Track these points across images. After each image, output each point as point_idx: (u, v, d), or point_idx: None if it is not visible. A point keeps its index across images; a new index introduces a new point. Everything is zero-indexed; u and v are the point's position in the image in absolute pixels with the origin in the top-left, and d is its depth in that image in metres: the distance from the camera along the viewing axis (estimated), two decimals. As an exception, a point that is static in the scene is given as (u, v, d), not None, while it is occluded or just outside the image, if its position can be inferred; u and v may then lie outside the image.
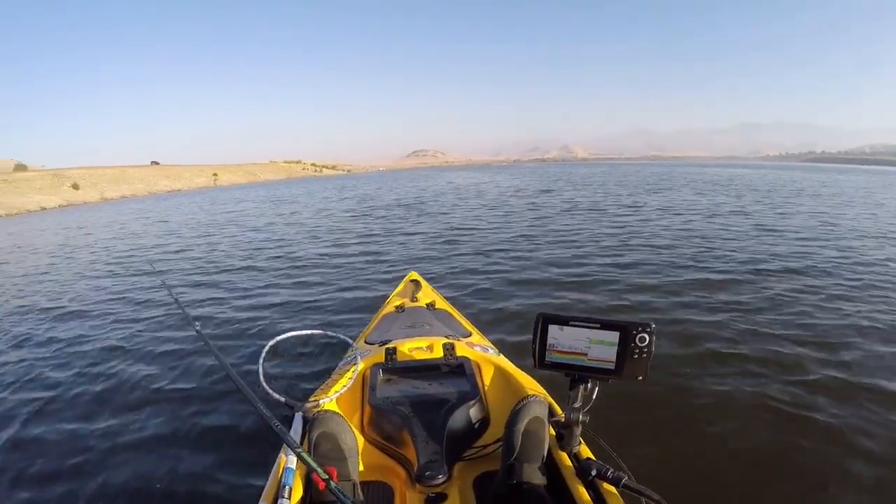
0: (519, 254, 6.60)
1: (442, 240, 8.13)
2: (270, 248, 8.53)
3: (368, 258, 7.00)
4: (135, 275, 7.06)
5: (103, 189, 64.58)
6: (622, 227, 8.74)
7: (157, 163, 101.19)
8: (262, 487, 1.26)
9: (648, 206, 11.95)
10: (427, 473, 1.30)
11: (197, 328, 1.91)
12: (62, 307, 5.51)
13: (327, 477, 0.98)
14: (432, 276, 5.40)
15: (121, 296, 5.81)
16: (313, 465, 1.01)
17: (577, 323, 1.18)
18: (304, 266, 6.80)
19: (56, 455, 2.46)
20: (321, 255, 7.57)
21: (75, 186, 61.80)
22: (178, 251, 9.19)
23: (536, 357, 1.24)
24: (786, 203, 12.38)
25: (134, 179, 74.33)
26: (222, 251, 8.66)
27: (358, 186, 32.84)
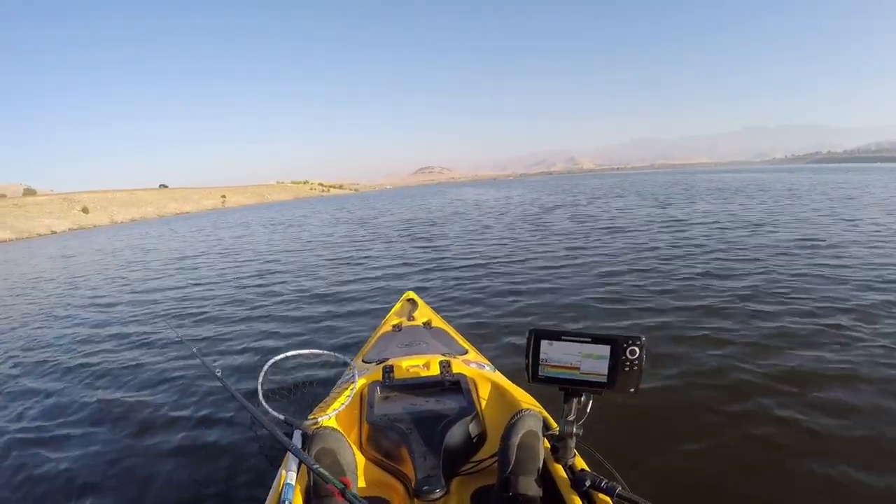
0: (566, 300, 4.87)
1: (464, 274, 6.58)
2: (275, 274, 8.12)
3: (375, 290, 6.15)
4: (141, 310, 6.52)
5: (113, 212, 65.21)
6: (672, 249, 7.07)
7: (165, 186, 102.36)
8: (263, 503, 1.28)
9: (697, 221, 10.09)
10: (425, 488, 1.31)
11: (218, 374, 1.92)
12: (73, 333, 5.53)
13: (343, 486, 1.01)
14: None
15: (120, 323, 5.74)
16: (328, 476, 1.05)
17: (568, 338, 1.20)
18: (306, 291, 6.39)
19: (66, 475, 2.53)
20: (324, 281, 6.98)
21: (85, 210, 62.45)
22: (192, 270, 9.24)
23: (530, 372, 1.26)
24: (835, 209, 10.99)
25: (143, 202, 75.09)
26: (229, 276, 8.34)
27: (365, 206, 32.24)
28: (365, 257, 9.04)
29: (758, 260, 5.97)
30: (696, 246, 7.18)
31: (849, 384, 2.71)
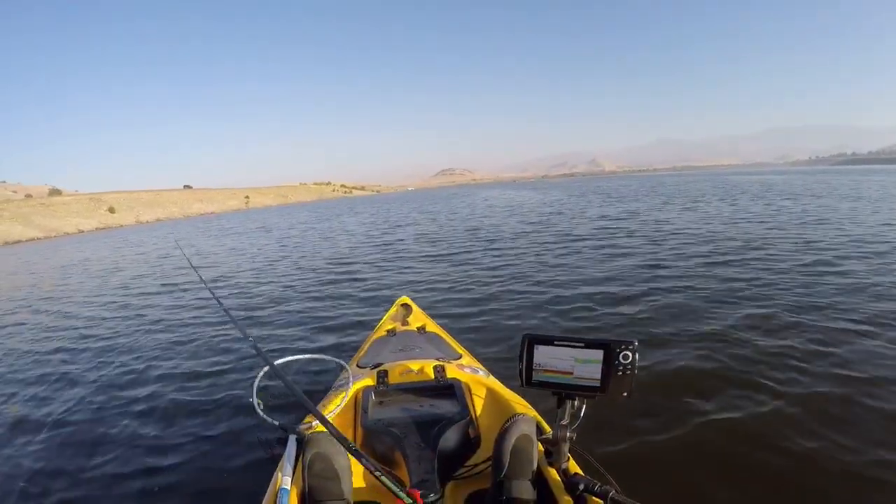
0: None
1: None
2: (291, 276, 7.88)
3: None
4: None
5: (139, 213, 65.62)
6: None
7: (189, 186, 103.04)
8: None
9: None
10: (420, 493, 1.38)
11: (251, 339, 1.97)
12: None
13: (411, 501, 1.09)
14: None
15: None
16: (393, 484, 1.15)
17: (561, 342, 1.22)
18: (313, 296, 6.15)
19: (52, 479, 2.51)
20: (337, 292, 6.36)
21: (111, 210, 62.92)
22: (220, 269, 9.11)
23: (523, 377, 1.29)
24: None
25: (168, 203, 75.62)
26: (245, 280, 8.12)
27: (392, 208, 30.66)
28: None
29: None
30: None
31: None
